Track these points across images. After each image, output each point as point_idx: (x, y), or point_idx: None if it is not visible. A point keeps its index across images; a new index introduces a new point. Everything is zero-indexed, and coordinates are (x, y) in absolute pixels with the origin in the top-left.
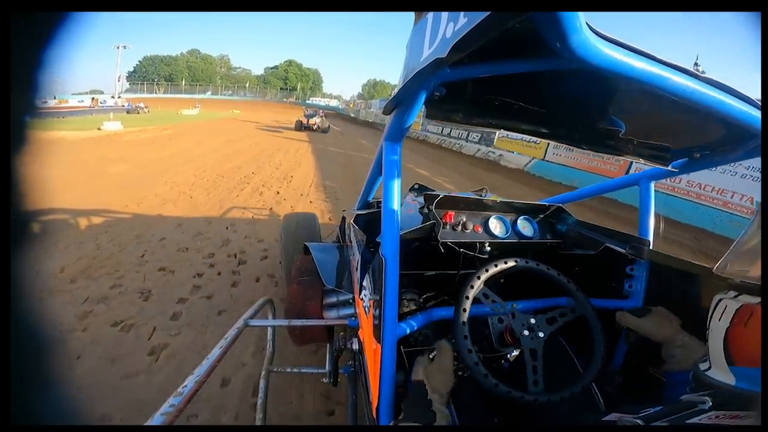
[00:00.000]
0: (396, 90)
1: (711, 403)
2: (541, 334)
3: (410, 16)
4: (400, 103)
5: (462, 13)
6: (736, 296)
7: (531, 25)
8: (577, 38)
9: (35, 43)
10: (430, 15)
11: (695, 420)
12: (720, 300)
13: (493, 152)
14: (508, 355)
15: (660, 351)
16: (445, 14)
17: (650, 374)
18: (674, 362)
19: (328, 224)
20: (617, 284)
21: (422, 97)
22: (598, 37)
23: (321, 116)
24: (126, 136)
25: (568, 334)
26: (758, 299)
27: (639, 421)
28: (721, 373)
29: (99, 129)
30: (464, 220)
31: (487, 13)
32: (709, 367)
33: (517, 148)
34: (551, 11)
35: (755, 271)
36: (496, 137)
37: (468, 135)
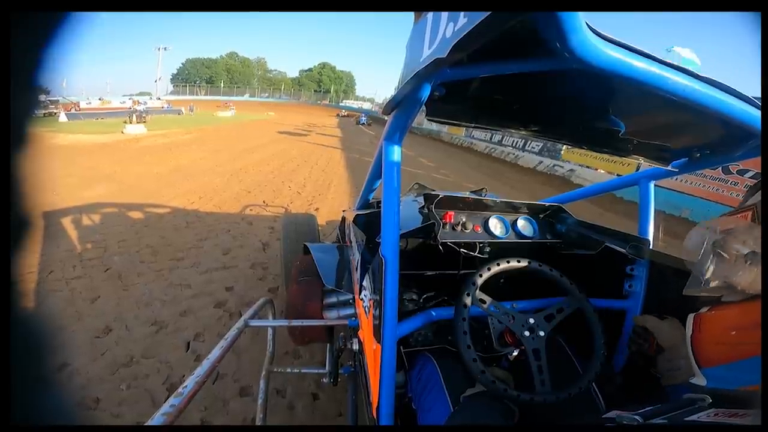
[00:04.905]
0: (396, 90)
1: (710, 401)
2: (541, 333)
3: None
4: (400, 103)
5: (462, 13)
6: (698, 310)
7: (531, 25)
8: (577, 38)
9: (35, 43)
10: (430, 15)
11: (694, 417)
12: (688, 315)
13: (561, 166)
14: (509, 355)
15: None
16: (445, 14)
17: (652, 376)
18: (678, 374)
19: None
20: (617, 284)
21: (422, 97)
22: (598, 37)
23: (368, 118)
24: (143, 141)
25: (567, 334)
26: (708, 308)
27: (638, 418)
28: (697, 377)
29: (122, 132)
30: (464, 220)
31: (487, 13)
32: (693, 375)
33: (594, 163)
34: (551, 11)
35: (716, 284)
36: (563, 148)
37: (525, 144)
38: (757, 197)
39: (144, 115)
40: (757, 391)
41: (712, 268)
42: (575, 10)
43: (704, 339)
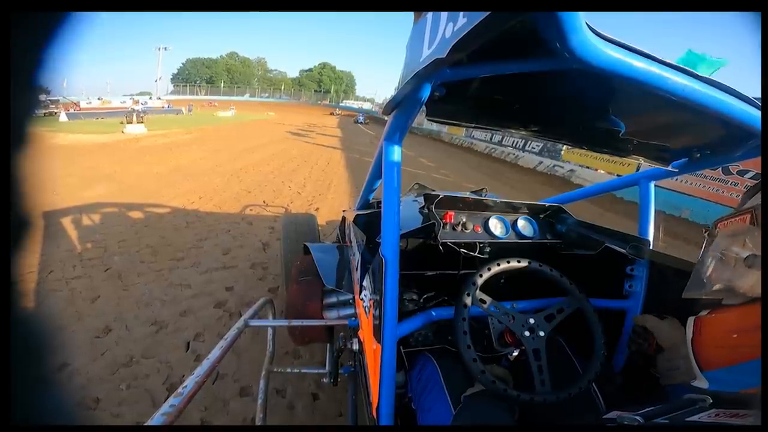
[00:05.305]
0: (396, 90)
1: (711, 401)
2: (541, 333)
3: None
4: (400, 103)
5: (462, 13)
6: (698, 313)
7: (531, 25)
8: (577, 38)
9: (35, 43)
10: (430, 15)
11: (695, 417)
12: (688, 318)
13: (561, 166)
14: (509, 356)
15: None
16: (444, 14)
17: (652, 376)
18: (677, 374)
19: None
20: (617, 284)
21: (422, 98)
22: (598, 38)
23: (366, 117)
24: (143, 141)
25: (567, 334)
26: (708, 311)
27: (639, 418)
28: (698, 380)
29: (122, 132)
30: (464, 220)
31: (487, 13)
32: (695, 378)
33: (594, 163)
34: (551, 11)
35: (717, 287)
36: (563, 149)
37: (525, 144)
38: (755, 200)
39: (142, 115)
40: (758, 393)
41: (712, 271)
42: (575, 10)
43: (705, 342)
